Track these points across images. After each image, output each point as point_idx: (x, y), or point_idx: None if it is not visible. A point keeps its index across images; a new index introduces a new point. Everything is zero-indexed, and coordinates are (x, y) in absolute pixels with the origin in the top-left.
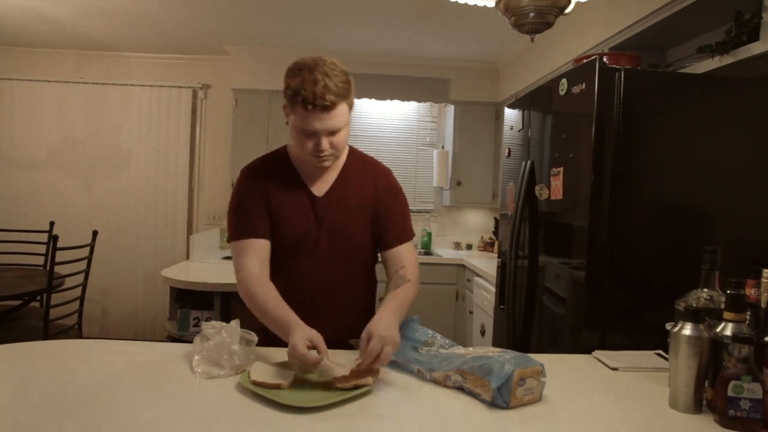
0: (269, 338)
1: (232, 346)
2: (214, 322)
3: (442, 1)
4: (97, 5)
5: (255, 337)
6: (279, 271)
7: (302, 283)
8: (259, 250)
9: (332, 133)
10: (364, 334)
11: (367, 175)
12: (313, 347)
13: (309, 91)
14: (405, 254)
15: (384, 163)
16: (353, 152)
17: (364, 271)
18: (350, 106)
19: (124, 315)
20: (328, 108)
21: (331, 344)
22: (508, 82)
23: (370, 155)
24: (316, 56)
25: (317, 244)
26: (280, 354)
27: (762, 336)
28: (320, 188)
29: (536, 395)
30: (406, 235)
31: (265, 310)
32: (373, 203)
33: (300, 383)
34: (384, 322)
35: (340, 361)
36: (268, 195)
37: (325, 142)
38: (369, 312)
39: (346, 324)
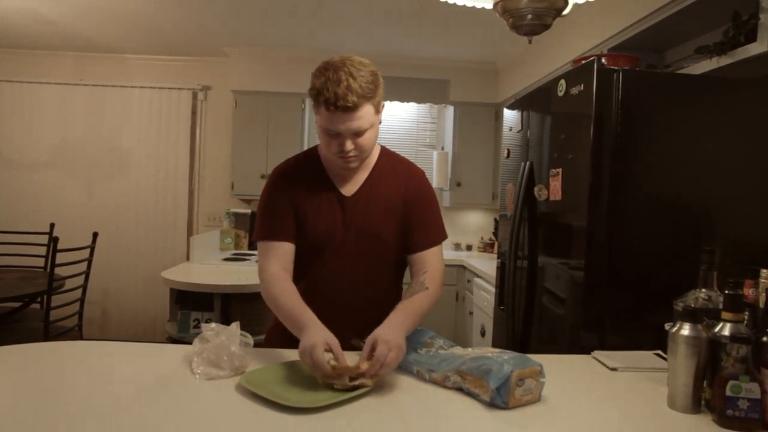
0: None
1: (231, 347)
2: (213, 325)
3: (441, 3)
4: (97, 7)
5: (251, 340)
6: (306, 271)
7: (328, 283)
8: (281, 253)
9: (357, 134)
10: (368, 340)
11: (397, 176)
12: (329, 350)
13: (331, 92)
14: (430, 259)
15: (417, 166)
16: (385, 152)
17: (392, 273)
18: (377, 107)
19: (125, 316)
20: (351, 109)
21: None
22: (508, 83)
23: (401, 155)
24: (345, 55)
25: (344, 244)
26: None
27: (760, 336)
28: (349, 189)
29: (535, 395)
30: (433, 240)
31: (283, 308)
32: (403, 205)
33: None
34: (389, 329)
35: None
36: (295, 196)
37: (349, 144)
38: (386, 296)
39: (371, 326)
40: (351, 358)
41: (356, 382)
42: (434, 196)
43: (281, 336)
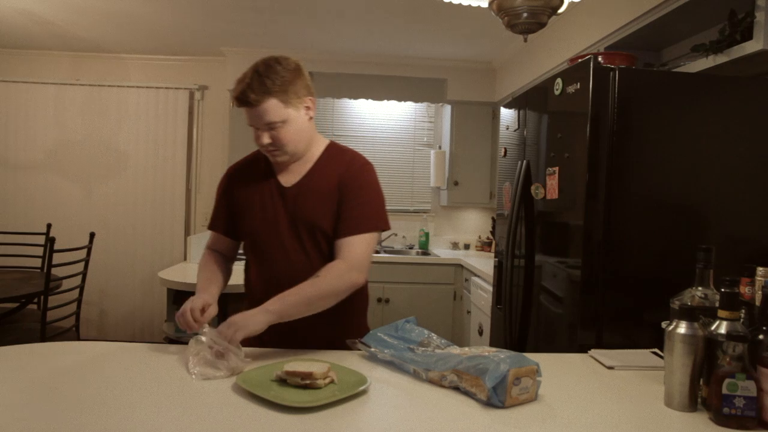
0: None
1: (227, 348)
2: (207, 328)
3: (437, 2)
4: (94, 7)
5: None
6: (256, 262)
7: (276, 273)
8: (214, 241)
9: (270, 128)
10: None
11: (337, 165)
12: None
13: (237, 90)
14: (345, 248)
15: (365, 158)
16: (332, 146)
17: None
18: (288, 102)
19: (122, 317)
20: (252, 105)
21: (305, 334)
22: (505, 82)
23: (352, 149)
24: (273, 55)
25: (285, 234)
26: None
27: (756, 334)
28: (290, 180)
29: (532, 394)
30: (354, 229)
31: (198, 276)
32: (338, 192)
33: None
34: (249, 313)
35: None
36: (232, 193)
37: (265, 137)
38: (343, 302)
39: (322, 316)
40: (315, 365)
41: (307, 381)
42: (372, 185)
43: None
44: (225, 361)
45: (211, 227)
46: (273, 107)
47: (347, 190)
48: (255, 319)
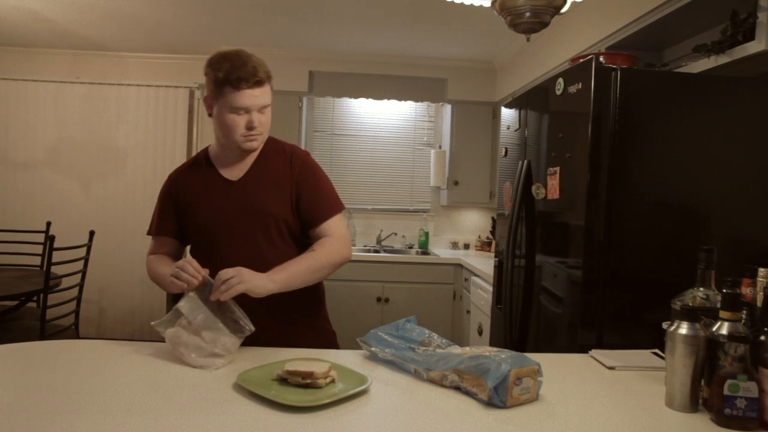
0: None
1: (218, 323)
2: (182, 302)
3: (438, 1)
4: (94, 5)
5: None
6: (208, 258)
7: (225, 265)
8: (160, 245)
9: (261, 110)
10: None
11: (282, 156)
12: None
13: (242, 71)
14: (329, 229)
15: (301, 148)
16: (271, 139)
17: (293, 253)
18: (272, 88)
19: (121, 315)
20: (259, 83)
21: (267, 325)
22: (505, 82)
23: (283, 140)
24: (234, 49)
25: (236, 227)
26: (275, 354)
27: (758, 335)
28: (236, 174)
29: (533, 394)
30: (329, 212)
31: (152, 276)
32: (292, 183)
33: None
34: (257, 274)
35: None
36: (177, 195)
37: (256, 119)
38: (302, 291)
39: (282, 306)
40: (315, 364)
41: (308, 381)
42: (321, 171)
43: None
44: (213, 340)
45: (156, 233)
46: (268, 91)
47: (304, 181)
48: (260, 282)
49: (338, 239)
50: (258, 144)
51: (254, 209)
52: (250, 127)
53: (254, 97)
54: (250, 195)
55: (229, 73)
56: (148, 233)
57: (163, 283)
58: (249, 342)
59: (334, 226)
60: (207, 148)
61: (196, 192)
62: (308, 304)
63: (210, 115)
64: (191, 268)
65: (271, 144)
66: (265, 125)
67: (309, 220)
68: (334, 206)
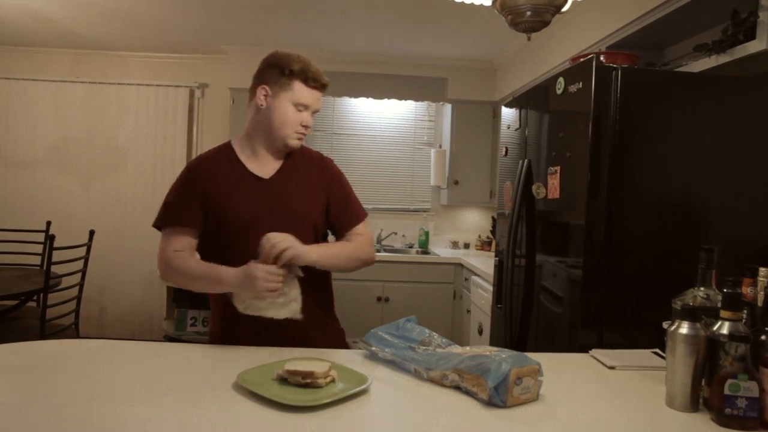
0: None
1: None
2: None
3: (439, 0)
4: (94, 4)
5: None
6: (229, 254)
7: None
8: (178, 237)
9: (315, 112)
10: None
11: (312, 162)
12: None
13: (315, 71)
14: (360, 231)
15: (347, 157)
16: None
17: None
18: None
19: (121, 314)
20: (323, 88)
21: (283, 323)
22: (506, 81)
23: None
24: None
25: (264, 223)
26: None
27: (758, 334)
28: (266, 172)
29: (533, 394)
30: (359, 218)
31: (197, 271)
32: (324, 189)
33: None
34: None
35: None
36: (202, 187)
37: (309, 120)
38: (322, 290)
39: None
40: (315, 364)
41: (308, 381)
42: (347, 179)
43: (221, 332)
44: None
45: (176, 223)
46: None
47: (335, 188)
48: (305, 249)
49: (368, 240)
50: (300, 143)
51: (289, 208)
52: (304, 125)
53: (316, 98)
54: (283, 194)
55: (304, 70)
56: (161, 225)
57: (203, 284)
58: (262, 342)
59: (362, 231)
60: (229, 142)
61: (223, 186)
62: (323, 303)
63: (260, 105)
64: (269, 274)
65: (299, 148)
66: (310, 129)
67: (337, 225)
68: (361, 213)
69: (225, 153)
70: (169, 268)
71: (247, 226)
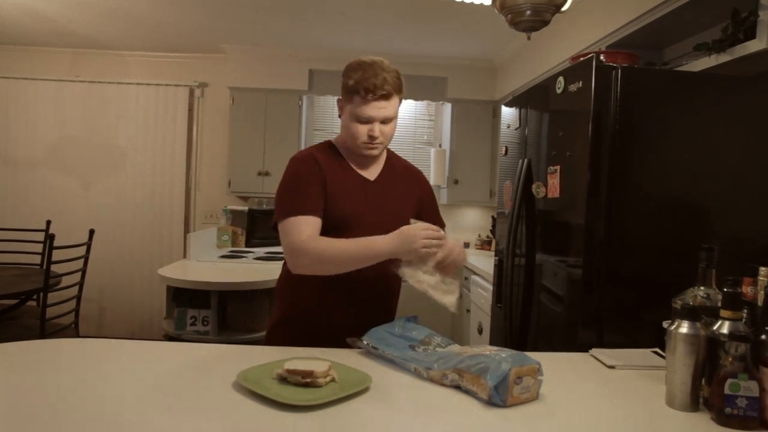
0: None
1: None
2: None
3: (439, 0)
4: (94, 3)
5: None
6: None
7: None
8: (311, 225)
9: (384, 121)
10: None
11: (406, 169)
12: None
13: (370, 82)
14: None
15: None
16: (392, 152)
17: None
18: (400, 101)
19: (121, 314)
20: (385, 97)
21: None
22: (506, 80)
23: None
24: (374, 58)
25: (367, 222)
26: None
27: (759, 334)
28: (371, 174)
29: (533, 393)
30: (442, 225)
31: (344, 249)
32: (419, 198)
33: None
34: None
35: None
36: (324, 177)
37: (377, 129)
38: (398, 286)
39: (383, 304)
40: (315, 363)
41: (308, 380)
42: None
43: (284, 334)
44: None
45: (308, 212)
46: (394, 103)
47: (427, 198)
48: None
49: None
50: (377, 152)
51: (391, 209)
52: (371, 136)
53: (379, 108)
54: (386, 195)
55: (359, 83)
56: (293, 214)
57: (353, 257)
58: (324, 334)
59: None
60: (330, 142)
61: (338, 182)
62: (396, 300)
63: (340, 116)
64: (433, 233)
65: (395, 157)
66: (387, 135)
67: None
68: (442, 223)
69: (332, 151)
70: (308, 253)
71: (354, 224)
